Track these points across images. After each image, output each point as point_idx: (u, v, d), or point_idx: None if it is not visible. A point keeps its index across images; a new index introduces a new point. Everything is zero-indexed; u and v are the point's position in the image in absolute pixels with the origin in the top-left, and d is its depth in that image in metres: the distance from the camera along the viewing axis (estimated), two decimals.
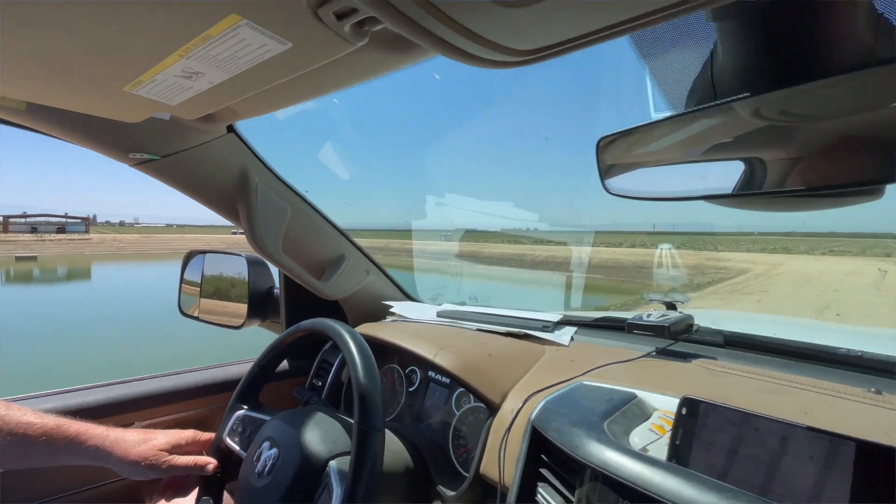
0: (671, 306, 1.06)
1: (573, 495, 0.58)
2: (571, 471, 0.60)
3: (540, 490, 0.62)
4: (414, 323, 1.21)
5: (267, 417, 0.82)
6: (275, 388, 1.19)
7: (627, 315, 1.04)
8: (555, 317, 1.19)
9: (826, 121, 0.37)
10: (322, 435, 0.72)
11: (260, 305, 1.33)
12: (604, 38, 0.32)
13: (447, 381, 0.92)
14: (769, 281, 14.22)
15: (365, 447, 0.62)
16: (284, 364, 1.27)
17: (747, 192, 0.41)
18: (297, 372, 1.27)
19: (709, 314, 1.59)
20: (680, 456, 0.53)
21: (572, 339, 1.08)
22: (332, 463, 0.68)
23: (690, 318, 1.02)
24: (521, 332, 1.09)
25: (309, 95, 0.60)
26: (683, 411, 0.56)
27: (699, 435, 0.53)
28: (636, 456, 0.52)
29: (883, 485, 0.43)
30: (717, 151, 0.43)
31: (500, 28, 0.31)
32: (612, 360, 0.89)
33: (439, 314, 1.25)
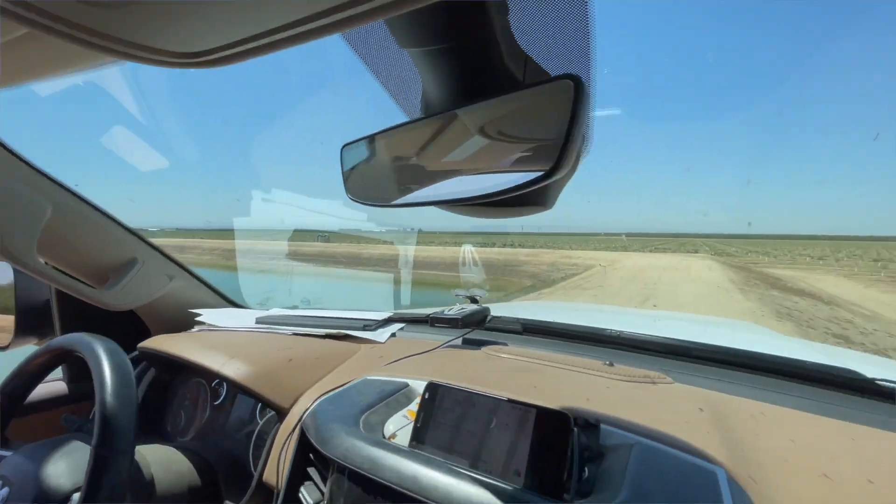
0: (474, 300, 1.18)
1: None
2: (328, 466, 0.62)
3: (302, 490, 0.64)
4: (222, 331, 1.13)
5: (8, 453, 0.68)
6: (45, 418, 1.02)
7: (447, 310, 1.12)
8: (383, 315, 1.24)
9: (490, 137, 0.40)
10: (69, 466, 0.63)
11: (33, 320, 1.11)
12: (277, 43, 0.30)
13: None
14: (606, 277, 16.62)
15: (100, 473, 0.55)
16: (62, 387, 1.09)
17: (440, 201, 0.44)
18: (83, 396, 1.09)
19: (512, 306, 1.78)
20: (420, 438, 0.58)
21: (394, 335, 1.13)
22: (76, 496, 0.59)
23: (486, 310, 1.13)
24: (342, 332, 1.11)
25: (19, 78, 0.51)
26: (426, 396, 0.61)
27: (436, 416, 0.59)
28: (373, 443, 0.57)
29: (552, 442, 0.50)
30: (425, 162, 0.46)
31: (131, 27, 0.30)
32: (417, 351, 0.94)
33: (259, 320, 1.20)
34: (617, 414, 0.62)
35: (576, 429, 0.51)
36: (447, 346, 1.00)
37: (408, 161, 0.47)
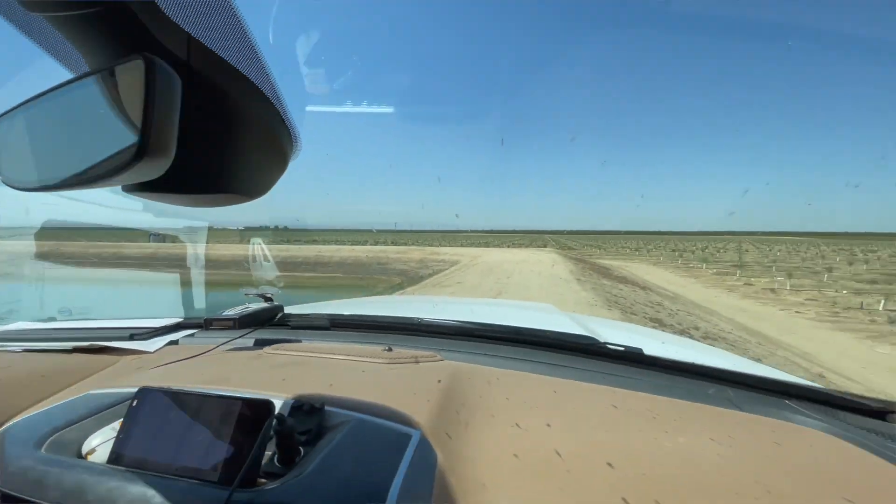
0: (268, 299, 1.16)
1: None
2: None
3: None
4: None
5: None
6: None
7: (229, 310, 1.11)
8: (164, 322, 1.17)
9: (95, 115, 0.36)
10: None
11: None
12: None
13: None
14: (467, 272, 17.18)
15: None
16: None
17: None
18: None
19: (321, 303, 1.77)
20: (121, 449, 0.54)
21: (176, 342, 1.05)
22: None
23: (276, 308, 1.14)
24: (96, 345, 0.98)
25: None
26: (134, 403, 0.56)
27: (143, 424, 0.54)
28: (44, 462, 0.53)
29: (253, 431, 0.49)
30: (69, 136, 0.39)
31: None
32: (188, 356, 0.91)
33: None
34: (354, 395, 0.66)
35: (280, 414, 0.52)
36: (226, 349, 0.97)
37: (55, 135, 0.40)
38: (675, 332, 6.73)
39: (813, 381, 0.98)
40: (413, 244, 47.79)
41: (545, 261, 22.30)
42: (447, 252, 32.46)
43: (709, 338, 6.90)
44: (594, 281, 13.81)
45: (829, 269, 21.92)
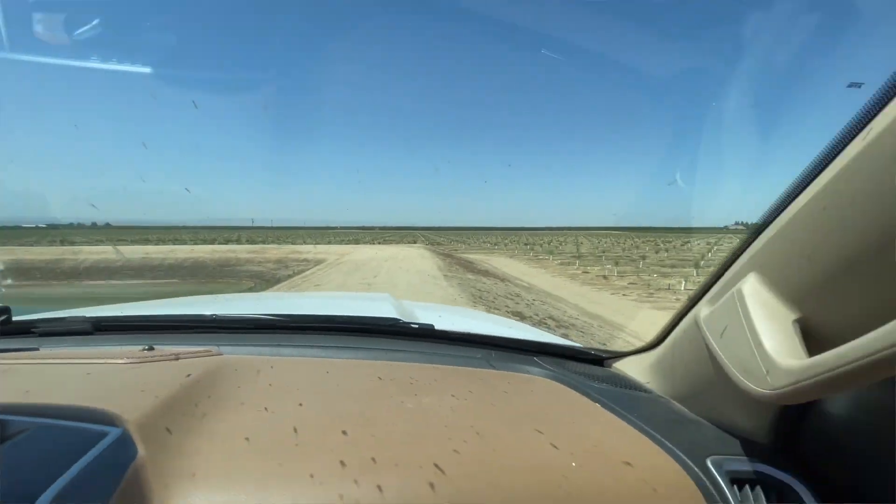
0: None
1: None
2: None
3: None
4: None
5: None
6: None
7: None
8: None
9: None
10: None
11: None
12: None
13: None
14: (331, 271, 16.16)
15: None
16: None
17: None
18: None
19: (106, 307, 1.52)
20: None
21: None
22: None
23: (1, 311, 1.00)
24: None
25: None
26: None
27: None
28: None
29: None
30: None
31: None
32: None
33: None
34: (54, 400, 0.60)
35: None
36: None
37: None
38: (533, 324, 7.03)
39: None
40: (273, 243, 43.78)
41: (414, 256, 22.31)
42: (312, 250, 30.34)
43: (562, 326, 7.40)
44: (460, 276, 14.13)
45: (643, 257, 26.51)
